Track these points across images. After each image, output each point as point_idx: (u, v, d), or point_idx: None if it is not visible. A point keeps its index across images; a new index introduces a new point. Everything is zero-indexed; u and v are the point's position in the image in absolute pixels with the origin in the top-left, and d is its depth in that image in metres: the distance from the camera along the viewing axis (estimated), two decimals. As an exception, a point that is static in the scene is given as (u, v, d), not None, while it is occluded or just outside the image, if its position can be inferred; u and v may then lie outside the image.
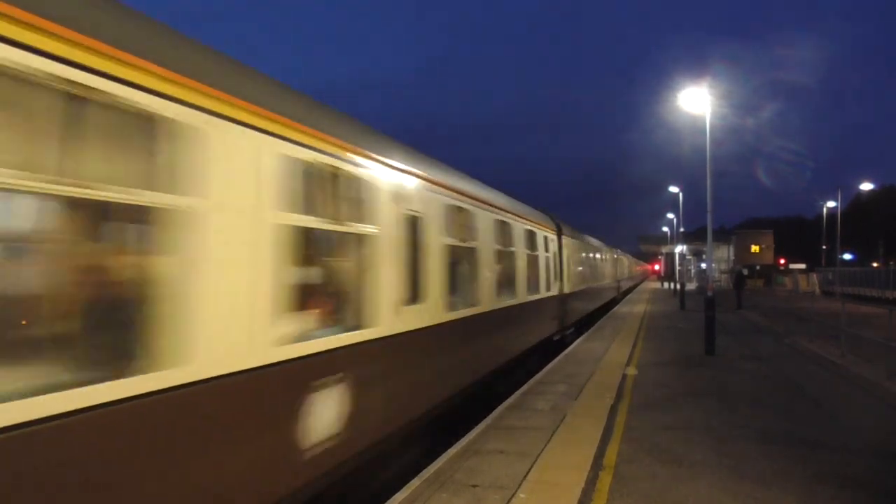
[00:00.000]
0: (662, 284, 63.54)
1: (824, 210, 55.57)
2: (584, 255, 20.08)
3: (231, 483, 3.41)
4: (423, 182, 6.26)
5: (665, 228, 66.24)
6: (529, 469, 5.71)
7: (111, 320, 2.98)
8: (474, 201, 8.09)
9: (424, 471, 5.72)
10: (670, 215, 56.46)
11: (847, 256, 67.35)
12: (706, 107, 15.00)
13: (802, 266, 72.77)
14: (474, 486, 5.30)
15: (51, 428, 2.37)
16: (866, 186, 51.52)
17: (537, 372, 11.14)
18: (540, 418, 7.63)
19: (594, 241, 24.44)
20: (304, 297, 4.20)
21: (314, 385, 4.11)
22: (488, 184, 9.78)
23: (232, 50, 3.92)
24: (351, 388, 4.54)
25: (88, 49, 2.59)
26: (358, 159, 4.95)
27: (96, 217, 2.94)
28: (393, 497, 5.07)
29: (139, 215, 2.99)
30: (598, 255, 24.69)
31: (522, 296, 10.66)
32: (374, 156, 5.22)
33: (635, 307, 29.79)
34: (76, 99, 2.58)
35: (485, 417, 7.77)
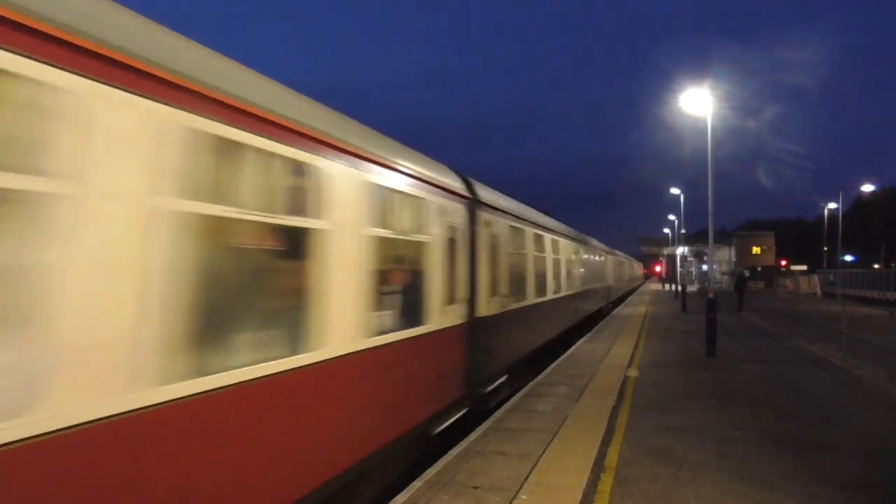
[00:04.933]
0: (664, 286, 63.47)
1: (825, 212, 55.57)
2: (616, 263, 33.86)
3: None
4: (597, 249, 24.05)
5: (666, 230, 66.30)
6: (531, 471, 5.72)
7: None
8: (595, 249, 23.56)
9: (426, 472, 5.73)
10: (671, 217, 56.50)
11: (848, 258, 67.24)
12: (707, 108, 15.01)
13: (804, 268, 72.66)
14: (476, 487, 5.31)
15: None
16: (867, 188, 51.40)
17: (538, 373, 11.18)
18: (541, 420, 7.64)
19: (621, 255, 41.26)
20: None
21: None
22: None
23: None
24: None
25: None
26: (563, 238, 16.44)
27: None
28: (394, 499, 5.08)
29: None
30: (622, 262, 41.05)
31: (600, 283, 24.41)
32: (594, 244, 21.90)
33: (637, 309, 29.78)
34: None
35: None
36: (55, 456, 2.43)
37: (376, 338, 4.96)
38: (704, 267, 55.83)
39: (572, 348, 14.72)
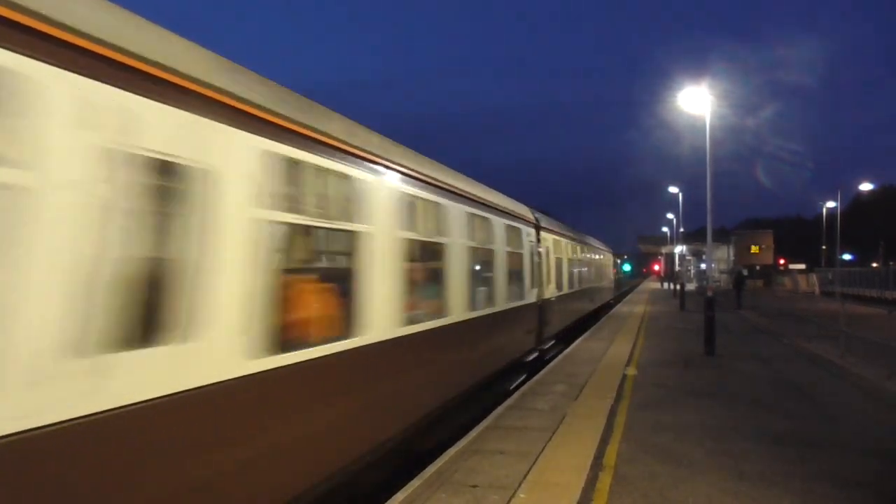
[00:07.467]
0: (662, 285, 63.51)
1: (824, 210, 55.60)
2: (615, 264, 39.17)
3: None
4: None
5: (665, 228, 66.34)
6: (529, 469, 5.71)
7: None
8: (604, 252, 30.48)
9: (424, 471, 5.72)
10: (670, 215, 56.52)
11: (847, 257, 67.33)
12: (706, 107, 15.00)
13: (802, 266, 72.71)
14: (474, 486, 5.30)
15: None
16: (866, 186, 51.42)
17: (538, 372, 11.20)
18: (540, 418, 7.64)
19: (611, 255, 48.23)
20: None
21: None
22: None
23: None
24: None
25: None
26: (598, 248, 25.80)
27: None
28: (393, 497, 5.07)
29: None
30: (618, 262, 48.75)
31: (603, 282, 27.77)
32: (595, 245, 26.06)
33: (635, 307, 29.79)
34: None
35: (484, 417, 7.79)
36: None
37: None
38: (703, 265, 55.87)
39: (570, 347, 14.72)
